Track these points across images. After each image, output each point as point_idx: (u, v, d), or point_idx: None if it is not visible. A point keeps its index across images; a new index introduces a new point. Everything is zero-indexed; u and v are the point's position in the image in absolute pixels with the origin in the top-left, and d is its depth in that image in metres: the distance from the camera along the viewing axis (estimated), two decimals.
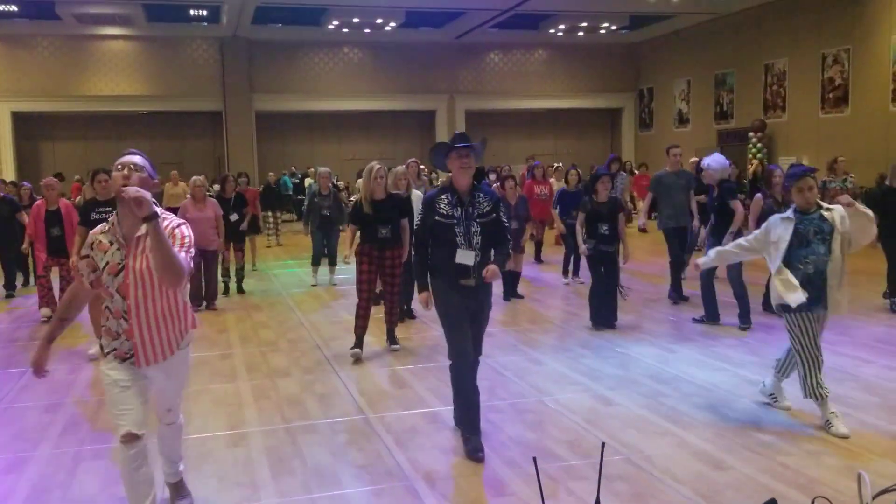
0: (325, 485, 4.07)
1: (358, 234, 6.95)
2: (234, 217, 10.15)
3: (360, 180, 8.67)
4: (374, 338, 7.29)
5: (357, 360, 6.61)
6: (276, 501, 3.90)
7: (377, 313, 7.33)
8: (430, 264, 4.53)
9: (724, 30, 21.20)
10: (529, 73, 25.48)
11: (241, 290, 10.42)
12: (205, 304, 9.26)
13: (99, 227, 3.33)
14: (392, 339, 7.05)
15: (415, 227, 4.72)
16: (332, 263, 10.95)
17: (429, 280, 4.54)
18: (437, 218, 4.41)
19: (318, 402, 5.54)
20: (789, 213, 4.81)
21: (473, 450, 4.34)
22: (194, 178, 9.38)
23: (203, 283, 9.22)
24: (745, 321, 7.56)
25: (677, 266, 8.99)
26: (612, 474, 4.08)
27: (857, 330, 7.34)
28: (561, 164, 16.17)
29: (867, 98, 17.04)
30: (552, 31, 22.97)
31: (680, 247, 8.99)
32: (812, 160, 13.36)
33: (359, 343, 6.73)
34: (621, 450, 4.45)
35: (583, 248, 7.67)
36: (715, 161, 8.03)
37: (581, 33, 23.46)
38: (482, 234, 4.39)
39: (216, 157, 23.96)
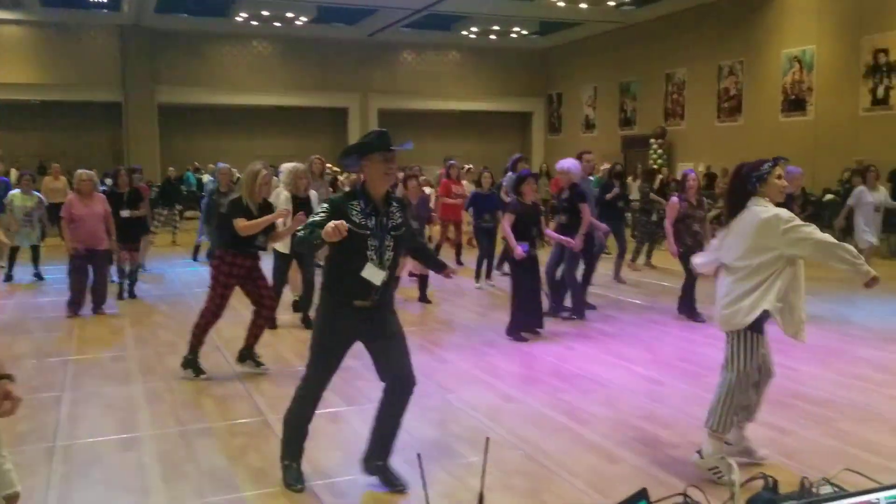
0: (220, 489, 3.98)
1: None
2: (125, 213, 9.48)
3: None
4: (274, 338, 7.17)
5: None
6: None
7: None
8: (325, 277, 3.87)
9: (628, 39, 21.89)
10: (442, 74, 25.64)
11: (132, 295, 9.71)
12: (92, 308, 8.64)
13: None
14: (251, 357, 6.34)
15: (304, 227, 3.71)
16: None
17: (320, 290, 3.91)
18: (356, 230, 3.66)
19: (215, 404, 5.41)
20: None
21: (289, 479, 3.95)
22: (80, 171, 8.77)
23: (89, 286, 8.57)
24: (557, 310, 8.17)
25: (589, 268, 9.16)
26: (510, 469, 4.15)
27: None
28: (472, 166, 16.34)
29: (759, 108, 17.93)
30: (464, 32, 23.18)
31: (589, 250, 9.19)
32: (707, 166, 14.03)
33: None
34: (520, 445, 4.53)
35: (518, 250, 7.17)
36: (570, 164, 8.20)
37: (493, 37, 23.76)
38: (394, 249, 3.79)
39: (115, 150, 23.06)
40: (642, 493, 1.61)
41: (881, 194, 9.81)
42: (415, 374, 3.94)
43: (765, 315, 3.88)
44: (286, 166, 8.70)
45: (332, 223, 3.43)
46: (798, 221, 3.77)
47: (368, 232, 3.70)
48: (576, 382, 5.88)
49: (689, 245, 7.86)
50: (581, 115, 24.68)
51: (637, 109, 22.11)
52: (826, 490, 2.01)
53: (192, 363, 6.06)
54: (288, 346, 7.13)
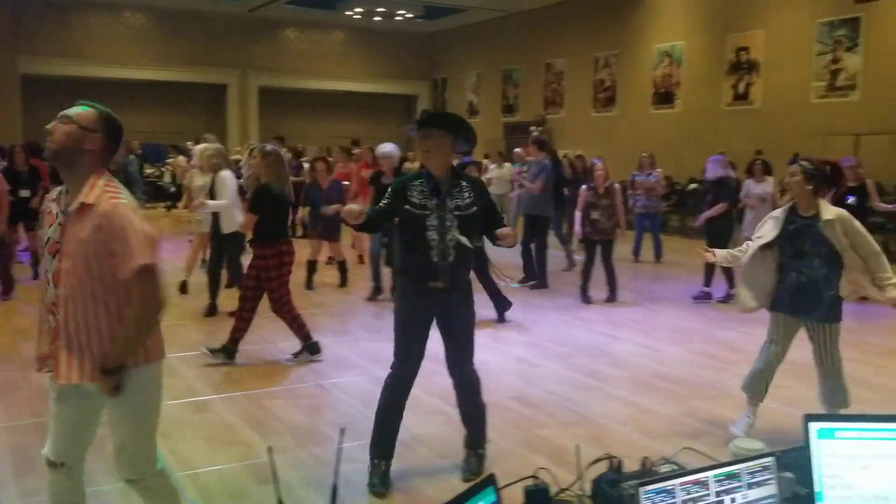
0: None
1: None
2: (25, 193, 8.83)
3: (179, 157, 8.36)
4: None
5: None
6: (19, 503, 3.62)
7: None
8: (396, 260, 3.90)
9: (512, 28, 22.27)
10: (327, 54, 25.25)
11: (35, 276, 8.96)
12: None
13: (55, 190, 2.66)
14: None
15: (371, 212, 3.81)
16: None
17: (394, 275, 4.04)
18: (407, 207, 3.65)
19: None
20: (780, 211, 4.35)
21: (374, 478, 3.79)
22: None
23: None
24: None
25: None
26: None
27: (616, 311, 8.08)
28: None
29: (631, 100, 18.69)
30: (349, 13, 22.91)
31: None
32: (585, 155, 14.47)
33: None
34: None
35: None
36: (391, 148, 8.22)
37: (378, 18, 23.59)
38: (460, 231, 3.64)
39: None
40: (489, 480, 1.67)
41: (768, 185, 10.37)
42: (472, 368, 3.92)
43: None
44: (200, 148, 8.66)
45: (349, 207, 3.63)
46: None
47: (428, 212, 3.64)
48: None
49: (587, 232, 8.29)
50: (465, 101, 24.94)
51: (519, 97, 22.57)
52: (666, 469, 2.15)
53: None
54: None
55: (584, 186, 8.53)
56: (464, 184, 3.73)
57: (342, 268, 9.29)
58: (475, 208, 3.71)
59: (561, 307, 8.25)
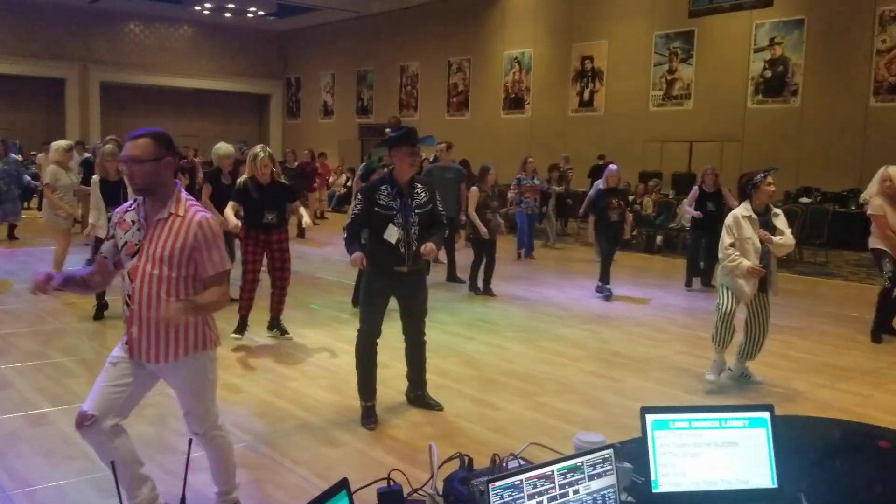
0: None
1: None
2: None
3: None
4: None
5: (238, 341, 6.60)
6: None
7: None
8: (368, 252, 4.66)
9: (366, 29, 22.29)
10: (174, 50, 24.26)
11: None
12: None
13: (126, 204, 3.17)
14: (278, 327, 6.89)
15: (350, 218, 4.76)
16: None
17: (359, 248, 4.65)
18: (376, 209, 4.57)
19: None
20: (750, 212, 5.47)
21: (365, 420, 4.74)
22: None
23: None
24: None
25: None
26: (237, 462, 4.10)
27: (462, 311, 8.29)
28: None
29: (484, 104, 19.22)
30: (198, 7, 22.11)
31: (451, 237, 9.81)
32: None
33: (242, 326, 6.68)
34: (244, 437, 4.50)
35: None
36: (231, 148, 8.47)
37: (228, 14, 22.91)
38: (419, 225, 4.60)
39: None
40: (342, 484, 1.70)
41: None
42: (425, 334, 5.03)
43: None
44: (59, 144, 8.66)
45: (355, 256, 4.53)
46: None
47: (394, 211, 4.57)
48: (303, 369, 5.94)
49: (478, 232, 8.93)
50: (319, 101, 24.71)
51: (374, 98, 22.61)
52: (514, 464, 2.25)
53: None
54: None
55: (474, 188, 9.11)
56: (420, 186, 4.68)
57: None
58: (431, 205, 4.69)
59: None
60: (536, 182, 12.43)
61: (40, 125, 22.19)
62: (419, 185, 4.68)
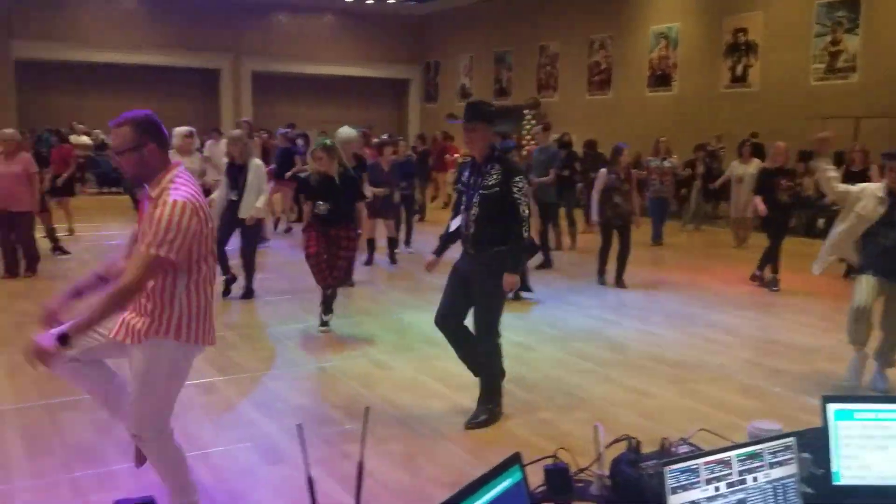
0: (88, 463, 3.85)
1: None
2: None
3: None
4: None
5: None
6: (31, 483, 3.64)
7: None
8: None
9: (504, 10, 22.17)
10: (318, 38, 25.11)
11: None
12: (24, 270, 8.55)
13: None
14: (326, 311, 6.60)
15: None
16: None
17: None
18: (457, 185, 4.57)
19: None
20: (883, 192, 4.96)
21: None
22: (9, 130, 8.56)
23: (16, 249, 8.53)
24: None
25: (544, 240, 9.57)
26: (386, 436, 4.23)
27: (606, 294, 8.13)
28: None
29: (627, 83, 18.67)
30: None
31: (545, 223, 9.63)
32: (578, 138, 14.45)
33: (324, 312, 6.51)
34: (394, 412, 4.62)
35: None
36: (353, 132, 8.45)
37: (370, 1, 23.45)
38: (481, 207, 4.29)
39: None
40: (515, 458, 1.70)
41: (752, 167, 10.45)
42: (485, 338, 4.50)
43: None
44: (181, 130, 8.77)
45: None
46: None
47: (463, 188, 4.43)
48: (448, 349, 6.00)
49: (608, 217, 8.28)
50: (457, 84, 24.87)
51: (512, 80, 22.51)
52: (684, 450, 2.18)
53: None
54: None
55: (603, 170, 8.49)
56: (497, 166, 4.30)
57: (393, 243, 9.79)
58: (497, 189, 4.25)
59: (557, 291, 8.29)
60: (667, 164, 11.79)
61: (200, 114, 23.62)
62: (496, 166, 4.31)
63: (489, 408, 4.49)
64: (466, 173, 4.44)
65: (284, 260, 9.86)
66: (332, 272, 6.40)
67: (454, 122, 4.81)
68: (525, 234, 4.30)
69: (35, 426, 4.31)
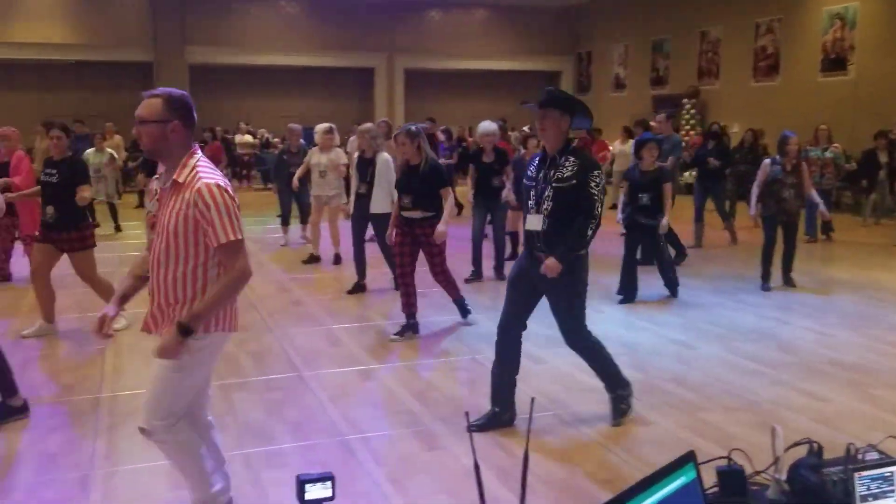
0: (258, 440, 4.09)
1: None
2: None
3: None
4: (310, 292, 7.25)
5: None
6: None
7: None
8: None
9: None
10: (469, 34, 25.33)
11: None
12: None
13: (160, 171, 3.07)
14: (462, 310, 6.52)
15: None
16: (304, 221, 10.49)
17: None
18: (524, 181, 4.18)
19: (251, 360, 5.52)
20: None
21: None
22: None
23: None
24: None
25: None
26: (541, 430, 4.20)
27: (777, 295, 7.66)
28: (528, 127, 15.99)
29: (797, 67, 17.51)
30: None
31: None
32: (743, 127, 13.72)
33: (406, 326, 6.12)
34: (550, 406, 4.58)
35: (618, 216, 7.64)
36: (494, 126, 8.31)
37: None
38: (554, 201, 3.92)
39: None
40: (690, 456, 1.62)
41: None
42: (569, 335, 4.23)
43: None
44: (321, 127, 9.08)
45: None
46: None
47: (532, 183, 4.04)
48: (610, 344, 5.88)
49: (773, 211, 7.69)
50: (611, 75, 24.29)
51: (670, 68, 21.71)
52: (872, 457, 2.01)
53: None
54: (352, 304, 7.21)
55: (767, 161, 7.90)
56: (572, 159, 3.94)
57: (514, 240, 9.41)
58: (574, 181, 3.90)
59: (718, 288, 7.91)
60: (828, 153, 10.85)
61: (355, 112, 24.47)
62: (570, 158, 3.94)
63: (620, 394, 4.30)
64: (533, 167, 4.08)
65: None
66: (436, 275, 6.26)
67: (528, 107, 4.20)
68: (589, 234, 3.91)
69: (211, 404, 4.61)
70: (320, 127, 9.22)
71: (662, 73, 21.99)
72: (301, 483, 1.76)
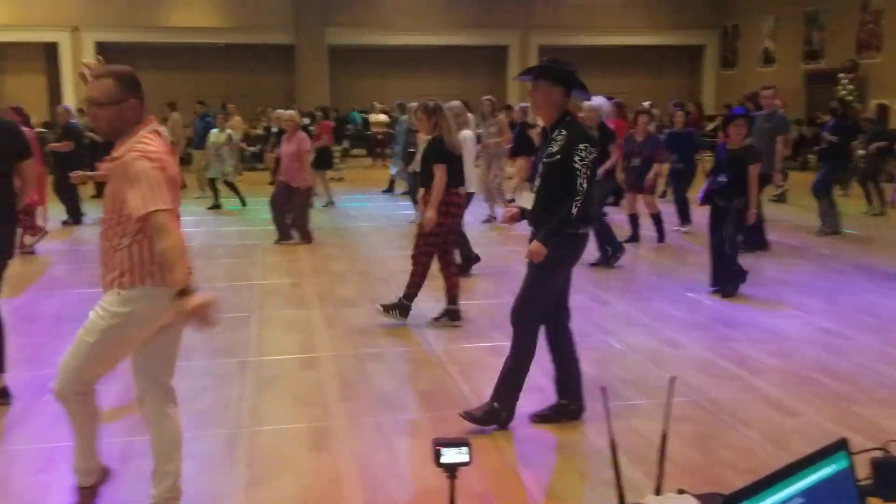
0: (390, 409, 4.20)
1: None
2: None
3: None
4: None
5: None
6: (345, 422, 4.05)
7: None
8: None
9: None
10: (607, 8, 24.68)
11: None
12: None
13: None
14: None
15: None
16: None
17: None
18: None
19: (384, 332, 5.66)
20: None
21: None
22: (281, 111, 9.70)
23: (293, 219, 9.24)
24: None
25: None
26: (678, 415, 4.06)
27: None
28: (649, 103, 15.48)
29: None
30: None
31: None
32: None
33: (447, 311, 5.85)
34: (686, 392, 4.43)
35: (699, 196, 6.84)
36: (601, 101, 8.02)
37: None
38: (542, 178, 3.77)
39: (286, 91, 24.09)
40: (841, 443, 1.52)
41: None
42: (514, 310, 3.94)
43: None
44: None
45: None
46: None
47: (535, 159, 4.01)
48: (746, 331, 5.63)
49: None
50: (759, 48, 23.01)
51: (825, 41, 20.30)
52: None
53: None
54: None
55: None
56: (562, 133, 3.72)
57: (657, 220, 8.95)
58: (558, 156, 3.69)
59: (871, 274, 7.37)
60: None
61: (487, 90, 24.37)
62: (562, 133, 3.70)
63: (492, 406, 3.90)
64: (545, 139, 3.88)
65: None
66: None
67: (522, 79, 3.89)
68: (574, 210, 3.59)
69: (347, 373, 4.78)
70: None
71: (817, 47, 20.60)
72: (438, 446, 1.78)
